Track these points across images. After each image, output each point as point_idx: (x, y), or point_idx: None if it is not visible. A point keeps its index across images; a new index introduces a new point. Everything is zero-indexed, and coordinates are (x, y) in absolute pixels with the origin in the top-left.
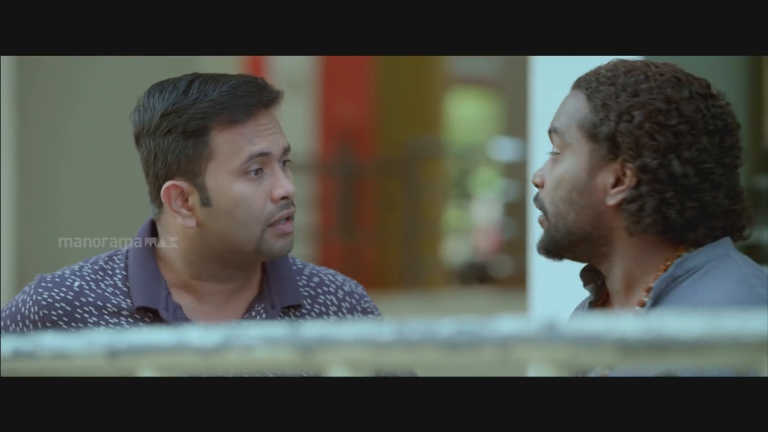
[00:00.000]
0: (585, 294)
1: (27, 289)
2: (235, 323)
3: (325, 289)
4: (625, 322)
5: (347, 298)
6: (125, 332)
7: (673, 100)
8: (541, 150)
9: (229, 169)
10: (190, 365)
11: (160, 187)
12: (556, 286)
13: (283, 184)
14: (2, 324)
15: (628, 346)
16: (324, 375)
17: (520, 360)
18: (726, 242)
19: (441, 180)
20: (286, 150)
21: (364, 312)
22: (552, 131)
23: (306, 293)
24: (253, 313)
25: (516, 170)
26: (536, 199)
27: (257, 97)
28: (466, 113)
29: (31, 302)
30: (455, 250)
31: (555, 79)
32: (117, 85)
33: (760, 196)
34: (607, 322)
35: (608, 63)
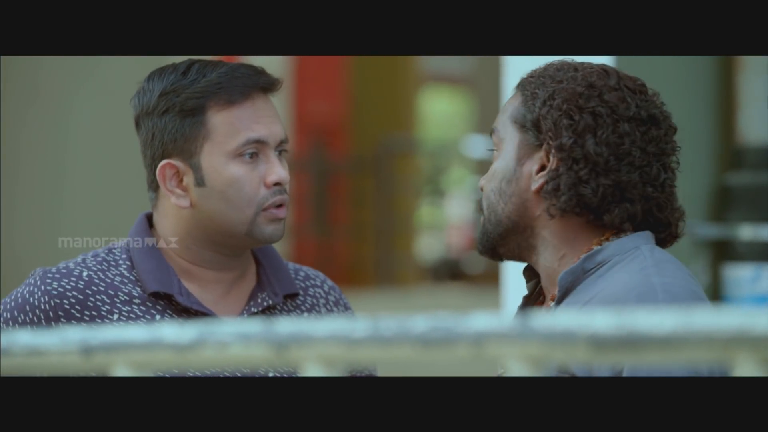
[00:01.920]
0: None
1: (30, 281)
2: (243, 310)
3: (312, 282)
4: (598, 319)
5: (332, 292)
6: (99, 329)
7: (596, 86)
8: None
9: (224, 150)
10: (164, 362)
11: (155, 168)
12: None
13: (277, 170)
14: (6, 316)
15: (600, 342)
16: (298, 371)
17: (493, 356)
18: (642, 235)
19: (414, 177)
20: (283, 141)
21: (345, 307)
22: (491, 132)
23: (298, 285)
24: (259, 300)
25: (488, 167)
26: (478, 201)
27: (255, 80)
28: (439, 110)
29: (39, 293)
30: (428, 246)
31: None
32: (115, 86)
33: (732, 192)
34: (580, 319)
35: (546, 63)
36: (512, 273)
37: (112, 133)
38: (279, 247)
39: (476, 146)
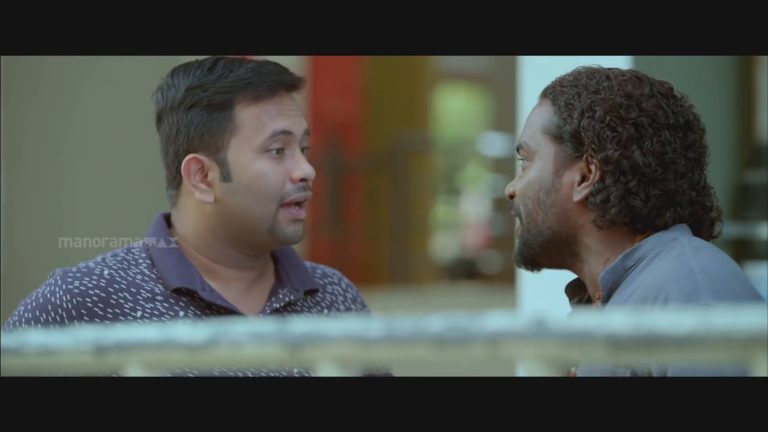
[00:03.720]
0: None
1: (51, 281)
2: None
3: (330, 279)
4: (615, 319)
5: (349, 289)
6: (112, 328)
7: (633, 96)
8: None
9: (251, 145)
10: (177, 362)
11: (179, 164)
12: (545, 282)
13: (303, 166)
14: (28, 317)
15: (617, 342)
16: (312, 371)
17: (509, 356)
18: (678, 228)
19: (429, 175)
20: (307, 132)
21: (363, 305)
22: (518, 147)
23: (316, 282)
24: (280, 296)
25: (504, 165)
26: (511, 207)
27: (282, 77)
28: (455, 108)
29: (61, 292)
30: (444, 245)
31: (543, 75)
32: (116, 86)
33: (751, 191)
34: (596, 319)
35: (573, 70)
36: (528, 272)
37: (113, 133)
38: (294, 247)
39: (492, 144)
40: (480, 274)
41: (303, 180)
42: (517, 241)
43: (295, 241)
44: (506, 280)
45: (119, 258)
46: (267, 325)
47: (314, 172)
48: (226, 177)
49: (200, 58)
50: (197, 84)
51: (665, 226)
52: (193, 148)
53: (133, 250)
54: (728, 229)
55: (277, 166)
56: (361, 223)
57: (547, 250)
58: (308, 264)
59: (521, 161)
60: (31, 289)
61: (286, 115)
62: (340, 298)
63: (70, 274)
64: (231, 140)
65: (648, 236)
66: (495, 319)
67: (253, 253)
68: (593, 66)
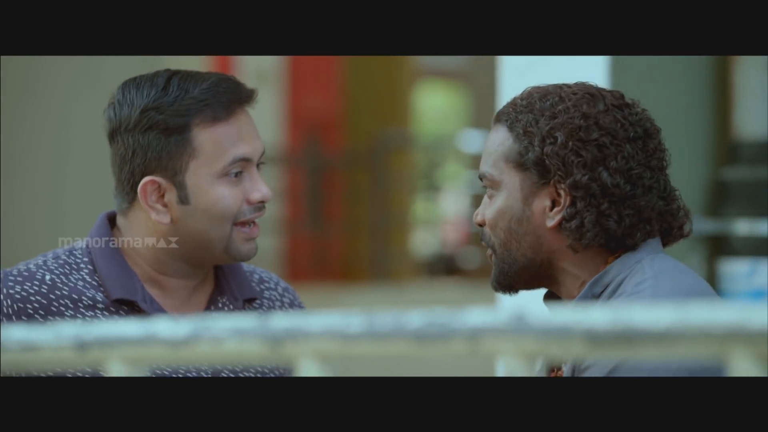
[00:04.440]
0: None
1: None
2: (204, 315)
3: (267, 285)
4: (594, 314)
5: (286, 294)
6: (94, 324)
7: (590, 115)
8: None
9: (211, 170)
10: (159, 357)
11: (135, 183)
12: None
13: (261, 188)
14: None
15: (596, 338)
16: (293, 367)
17: (489, 352)
18: (646, 247)
19: (409, 172)
20: (262, 153)
21: (300, 308)
22: (481, 176)
23: (254, 288)
24: (220, 305)
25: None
26: (482, 235)
27: (237, 94)
28: (434, 106)
29: (2, 296)
30: (423, 242)
31: (522, 72)
32: (116, 86)
33: (727, 187)
34: (575, 314)
35: (523, 92)
36: None
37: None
38: (274, 244)
39: (471, 141)
40: (459, 270)
41: (260, 202)
42: (493, 269)
43: (250, 258)
44: (485, 276)
45: (61, 261)
46: (248, 321)
47: (271, 193)
48: (183, 200)
49: (149, 73)
50: (152, 106)
51: (635, 245)
52: (150, 170)
53: (75, 252)
54: (705, 225)
55: (235, 189)
56: (341, 219)
57: (523, 277)
58: (246, 267)
59: (485, 189)
60: None
61: (246, 140)
62: (278, 303)
63: (11, 278)
64: (189, 163)
65: (617, 257)
66: (475, 315)
67: (202, 266)
68: (544, 86)
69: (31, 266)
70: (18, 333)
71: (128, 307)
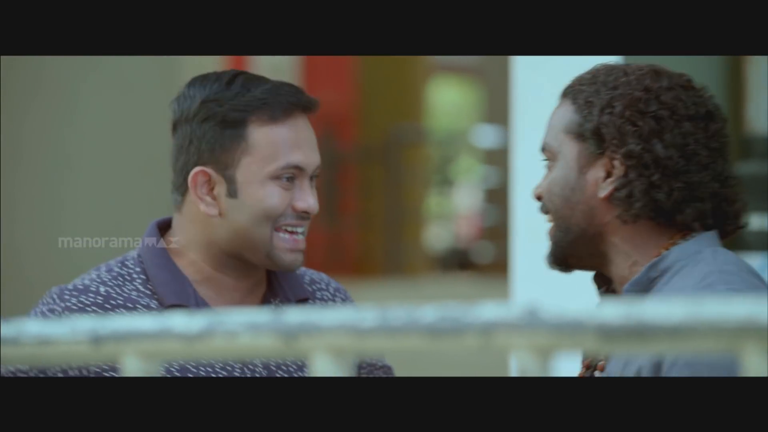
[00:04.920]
0: (566, 281)
1: (48, 299)
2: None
3: (319, 285)
4: (606, 309)
5: (337, 293)
6: (109, 318)
7: (652, 89)
8: (521, 137)
9: (263, 169)
10: (173, 351)
11: (187, 173)
12: (537, 272)
13: (308, 199)
14: None
15: (609, 333)
16: (307, 361)
17: (501, 346)
18: (706, 237)
19: (423, 167)
20: (318, 167)
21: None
22: (542, 149)
23: (307, 289)
24: (273, 307)
25: (497, 157)
26: (542, 207)
27: (296, 98)
28: (448, 100)
29: (60, 309)
30: (437, 236)
31: (536, 67)
32: (116, 85)
33: (740, 182)
34: (588, 309)
35: (591, 68)
36: (521, 263)
37: (113, 133)
38: None
39: (485, 136)
40: (472, 264)
41: (304, 212)
42: (549, 243)
43: (293, 269)
44: (498, 270)
45: (114, 273)
46: (262, 315)
47: (318, 207)
48: (232, 193)
49: (218, 71)
50: (213, 98)
51: (685, 223)
52: (202, 161)
53: (127, 263)
54: None
55: (284, 193)
56: (355, 214)
57: (576, 249)
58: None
59: (546, 162)
60: (30, 289)
61: (302, 148)
62: (330, 303)
63: (67, 292)
64: (242, 159)
65: (675, 243)
66: (488, 310)
67: (254, 267)
68: (611, 63)
69: (86, 281)
70: (34, 327)
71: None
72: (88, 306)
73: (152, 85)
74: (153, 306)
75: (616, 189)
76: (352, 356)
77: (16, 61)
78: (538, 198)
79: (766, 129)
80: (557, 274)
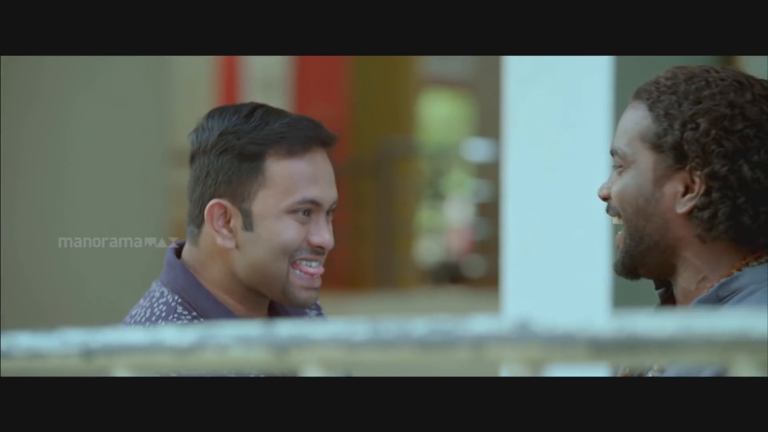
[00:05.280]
0: (557, 294)
1: None
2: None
3: (316, 312)
4: (598, 322)
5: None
6: (100, 331)
7: (737, 105)
8: (514, 150)
9: (280, 204)
10: (164, 365)
11: (203, 205)
12: (528, 285)
13: (324, 234)
14: None
15: (600, 345)
16: (299, 375)
17: (493, 359)
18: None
19: (414, 180)
20: (335, 203)
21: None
22: (613, 152)
23: (309, 314)
24: None
25: (488, 171)
26: (608, 208)
27: (315, 132)
28: (439, 114)
29: None
30: (428, 250)
31: (527, 80)
32: (116, 86)
33: None
34: (579, 322)
35: (667, 71)
36: (512, 276)
37: (112, 134)
38: None
39: (476, 149)
40: (463, 278)
41: (320, 247)
42: (618, 250)
43: (309, 306)
44: (489, 284)
45: (164, 313)
46: (254, 329)
47: (333, 243)
48: (248, 227)
49: (237, 104)
50: (231, 130)
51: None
52: (219, 193)
53: (178, 310)
54: None
55: (300, 227)
56: (346, 227)
57: (647, 259)
58: None
59: (614, 165)
60: (31, 289)
61: (319, 184)
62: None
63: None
64: (258, 192)
65: (746, 264)
66: (479, 323)
67: (267, 299)
68: (691, 67)
69: (142, 320)
70: (24, 340)
71: None
72: None
73: (152, 85)
74: None
75: (697, 208)
76: (343, 369)
77: (15, 61)
78: (605, 198)
79: None
80: (548, 288)
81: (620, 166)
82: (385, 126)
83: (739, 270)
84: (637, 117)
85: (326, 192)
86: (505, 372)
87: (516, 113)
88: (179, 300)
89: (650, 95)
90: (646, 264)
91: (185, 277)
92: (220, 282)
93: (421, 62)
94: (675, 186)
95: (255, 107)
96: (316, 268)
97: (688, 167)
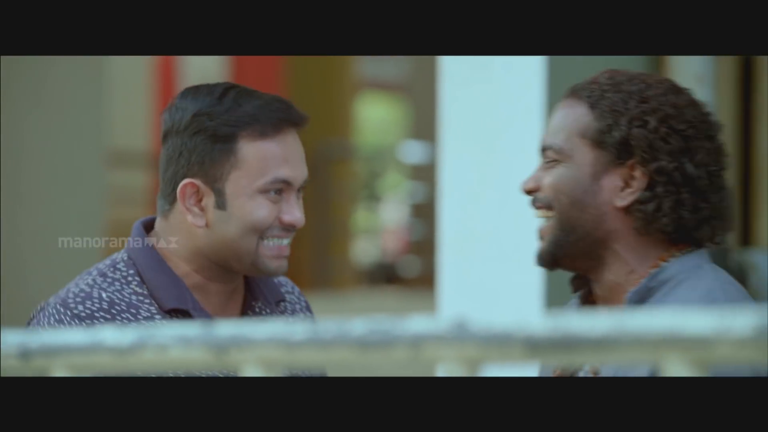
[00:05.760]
0: (492, 294)
1: (52, 311)
2: (243, 320)
3: (286, 288)
4: (534, 321)
5: (300, 297)
6: (38, 332)
7: (679, 107)
8: (449, 152)
9: (252, 184)
10: (104, 365)
11: (176, 184)
12: (463, 285)
13: (295, 212)
14: None
15: (536, 344)
16: (238, 374)
17: (430, 358)
18: (699, 254)
19: (350, 182)
20: (305, 180)
21: (312, 314)
22: (546, 148)
23: (281, 290)
24: (257, 310)
25: (423, 173)
26: (536, 200)
27: (286, 114)
28: (375, 117)
29: (68, 318)
30: (364, 250)
31: (462, 83)
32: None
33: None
34: (515, 321)
35: (603, 73)
36: (447, 276)
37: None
38: None
39: (411, 152)
40: (399, 278)
41: (291, 225)
42: (542, 240)
43: (279, 274)
44: (425, 284)
45: (109, 279)
46: (193, 329)
47: (304, 220)
48: (220, 205)
49: (210, 83)
50: (205, 111)
51: (701, 240)
52: (192, 173)
53: (118, 266)
54: None
55: (272, 206)
56: None
57: (575, 250)
58: None
59: (546, 161)
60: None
61: (290, 163)
62: (297, 306)
63: (70, 300)
64: (231, 173)
65: (672, 256)
66: (416, 322)
67: (238, 272)
68: (623, 70)
69: (83, 286)
70: None
71: (181, 316)
72: (96, 311)
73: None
74: (154, 310)
75: (639, 201)
76: (282, 369)
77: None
78: (530, 191)
79: None
80: (483, 288)
81: (553, 161)
82: (321, 128)
83: (666, 261)
84: (576, 114)
85: (297, 171)
86: (442, 371)
87: (450, 115)
88: (126, 258)
89: (591, 94)
90: (571, 255)
91: (142, 242)
92: (186, 257)
93: (356, 65)
94: (613, 180)
95: (228, 87)
96: (286, 244)
97: (629, 163)
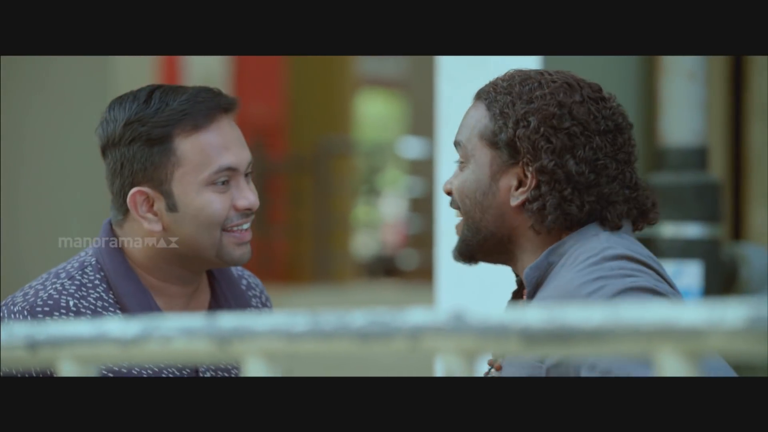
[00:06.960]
0: (489, 286)
1: (17, 314)
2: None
3: (254, 292)
4: (530, 313)
5: (267, 302)
6: (46, 324)
7: (566, 105)
8: (446, 148)
9: (197, 178)
10: (109, 356)
11: (125, 195)
12: (460, 278)
13: (248, 195)
14: None
15: (531, 336)
16: (240, 365)
17: (429, 349)
18: (592, 225)
19: (350, 177)
20: (250, 163)
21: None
22: (456, 144)
23: (246, 295)
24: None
25: (422, 167)
26: (452, 202)
27: (216, 101)
28: (374, 113)
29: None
30: (364, 244)
31: (459, 80)
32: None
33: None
34: (512, 313)
35: (505, 74)
36: (445, 269)
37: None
38: None
39: (410, 147)
40: (398, 271)
41: (247, 209)
42: (457, 238)
43: (243, 263)
44: (423, 276)
45: (77, 283)
46: (196, 320)
47: (258, 201)
48: (171, 207)
49: (133, 90)
50: (135, 118)
51: (612, 224)
52: (137, 181)
53: (86, 270)
54: None
55: (222, 196)
56: (284, 222)
57: (483, 248)
58: (235, 271)
59: (457, 161)
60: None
61: (231, 149)
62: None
63: (38, 308)
64: (174, 172)
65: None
66: (415, 314)
67: (199, 270)
68: (526, 70)
69: (51, 291)
70: None
71: None
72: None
73: (91, 87)
74: (118, 315)
75: (528, 200)
76: (284, 360)
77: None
78: (448, 193)
79: (677, 141)
80: (481, 281)
81: (462, 162)
82: (322, 124)
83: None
84: (477, 115)
85: (239, 156)
86: (440, 362)
87: (448, 112)
88: (93, 262)
89: (488, 96)
90: (484, 251)
91: (107, 243)
92: (147, 264)
93: (356, 63)
94: (509, 180)
95: (152, 89)
96: (247, 230)
97: (520, 163)
